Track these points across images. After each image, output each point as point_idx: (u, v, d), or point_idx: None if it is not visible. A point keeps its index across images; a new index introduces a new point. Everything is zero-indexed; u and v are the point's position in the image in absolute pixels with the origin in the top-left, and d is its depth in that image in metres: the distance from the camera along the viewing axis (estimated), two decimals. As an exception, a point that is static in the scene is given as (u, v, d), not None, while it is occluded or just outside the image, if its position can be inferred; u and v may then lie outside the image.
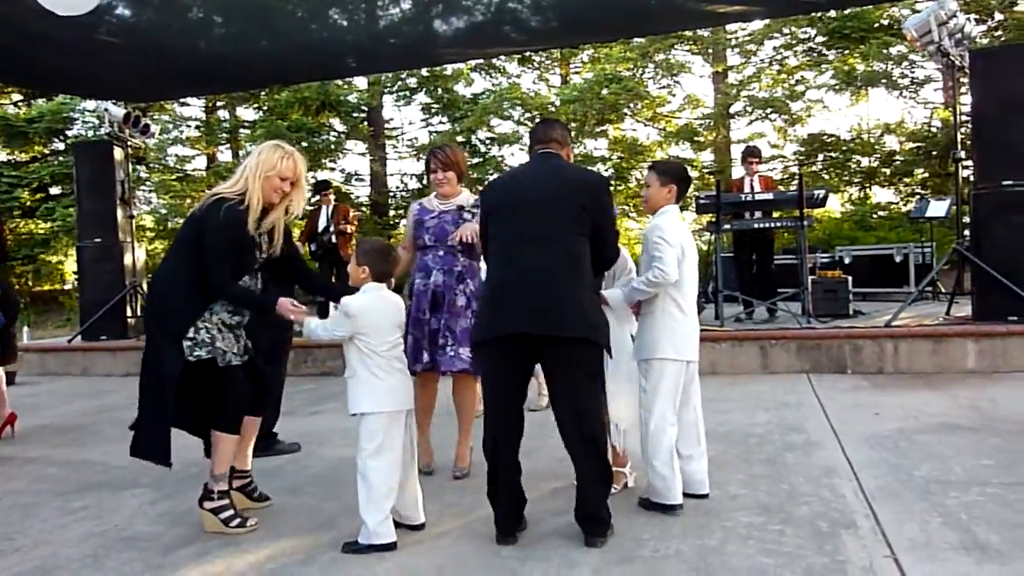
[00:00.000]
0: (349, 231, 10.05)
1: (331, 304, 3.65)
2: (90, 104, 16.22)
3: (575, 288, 3.26)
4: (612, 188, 16.93)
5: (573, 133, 17.74)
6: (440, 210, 4.40)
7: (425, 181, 18.76)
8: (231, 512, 3.59)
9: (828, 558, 2.96)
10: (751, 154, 9.37)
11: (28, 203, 18.16)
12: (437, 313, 4.28)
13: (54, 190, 18.61)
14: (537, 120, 3.98)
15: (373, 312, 3.41)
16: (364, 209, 18.14)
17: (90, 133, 17.76)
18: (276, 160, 3.60)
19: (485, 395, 3.42)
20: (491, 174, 17.66)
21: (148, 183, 18.89)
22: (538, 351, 3.27)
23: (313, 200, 10.42)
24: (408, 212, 4.66)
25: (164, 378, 3.46)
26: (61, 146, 18.83)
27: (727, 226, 8.69)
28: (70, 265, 18.29)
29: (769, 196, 8.61)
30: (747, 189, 8.95)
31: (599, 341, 3.31)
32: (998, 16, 15.09)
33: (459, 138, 18.36)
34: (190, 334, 3.49)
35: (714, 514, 3.49)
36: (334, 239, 10.03)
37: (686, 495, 3.62)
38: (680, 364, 3.63)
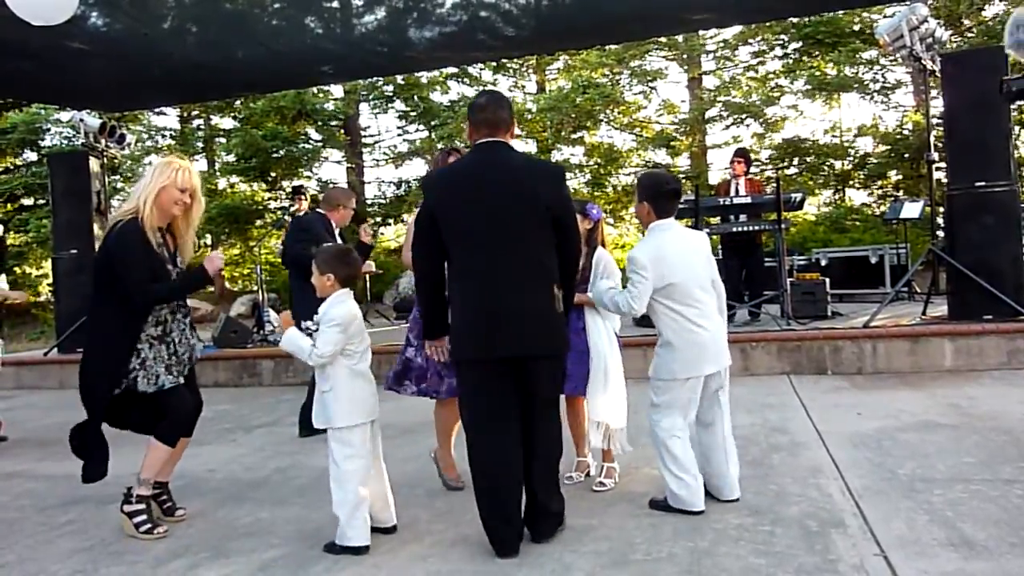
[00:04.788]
0: None
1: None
2: (64, 115, 16.08)
3: (549, 302, 3.29)
4: (590, 194, 17.07)
5: (549, 140, 17.84)
6: None
7: (403, 189, 18.85)
8: (144, 518, 3.70)
9: (819, 557, 2.99)
10: (737, 155, 9.44)
11: (0, 215, 17.93)
12: None
13: (27, 201, 18.39)
14: (481, 97, 3.45)
15: (355, 317, 3.43)
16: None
17: (63, 144, 17.58)
18: (169, 173, 3.66)
19: (474, 415, 3.31)
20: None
21: (122, 193, 18.70)
22: (519, 367, 3.26)
23: (291, 208, 10.40)
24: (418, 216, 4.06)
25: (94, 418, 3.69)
26: (34, 157, 18.61)
27: (706, 229, 8.75)
28: (44, 277, 18.06)
29: (747, 200, 8.68)
30: (732, 192, 9.03)
31: (566, 351, 3.49)
32: (966, 22, 15.36)
33: (439, 145, 18.37)
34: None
35: (704, 516, 3.51)
36: None
37: (722, 500, 3.69)
38: (692, 381, 3.59)
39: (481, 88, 19.19)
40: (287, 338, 3.42)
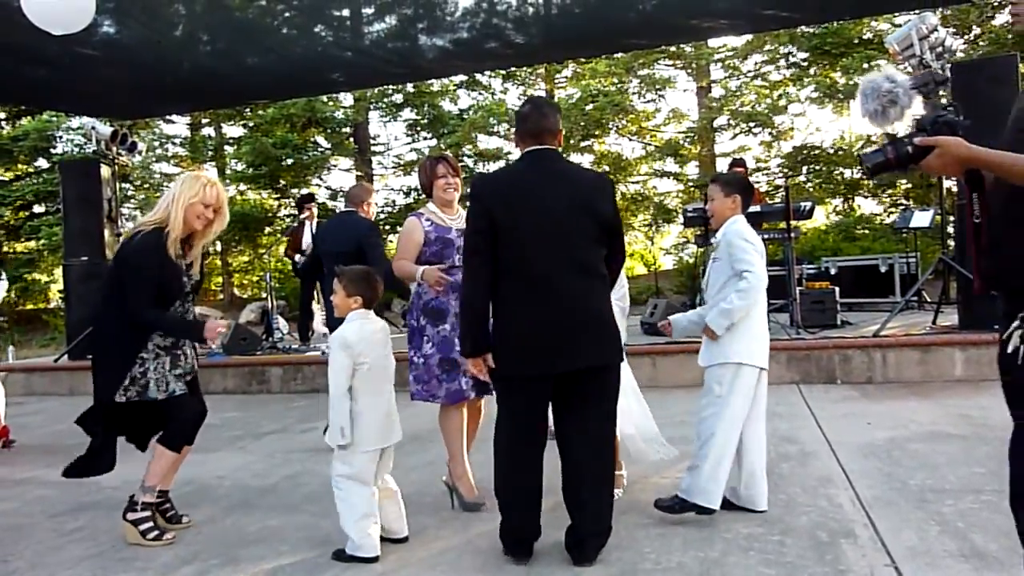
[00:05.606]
0: None
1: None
2: (76, 122, 16.16)
3: (609, 310, 3.27)
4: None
5: (559, 149, 17.85)
6: (456, 227, 4.04)
7: (412, 197, 18.90)
8: (150, 524, 3.72)
9: (829, 568, 2.97)
10: (736, 165, 9.48)
11: (11, 222, 18.06)
12: None
13: (38, 208, 18.51)
14: (525, 106, 3.39)
15: (369, 338, 3.44)
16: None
17: (75, 151, 17.69)
18: (198, 188, 3.72)
19: (515, 434, 3.21)
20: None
21: (133, 200, 18.81)
22: (570, 380, 3.16)
23: (301, 216, 10.39)
24: (408, 226, 4.10)
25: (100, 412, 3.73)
26: (45, 164, 18.74)
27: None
28: (55, 284, 18.16)
29: (757, 209, 8.66)
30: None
31: (622, 359, 3.39)
32: (976, 30, 15.33)
33: (446, 154, 18.42)
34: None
35: (714, 526, 3.51)
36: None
37: (745, 510, 3.65)
38: (755, 370, 3.59)
39: (490, 96, 19.28)
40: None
